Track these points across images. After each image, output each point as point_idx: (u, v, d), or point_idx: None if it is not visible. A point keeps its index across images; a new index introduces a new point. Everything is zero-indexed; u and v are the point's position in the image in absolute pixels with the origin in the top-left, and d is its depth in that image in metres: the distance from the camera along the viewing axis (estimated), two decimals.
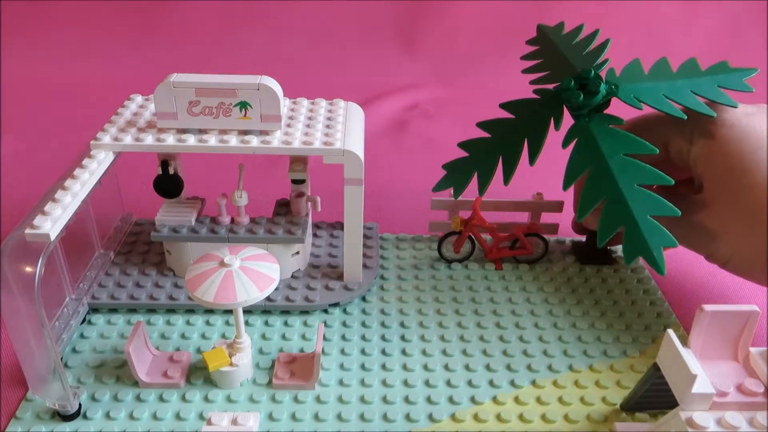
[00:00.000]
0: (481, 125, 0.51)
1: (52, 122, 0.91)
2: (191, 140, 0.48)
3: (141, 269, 0.56)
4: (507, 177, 0.48)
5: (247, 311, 0.52)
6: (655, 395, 0.41)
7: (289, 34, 1.15)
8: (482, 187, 0.49)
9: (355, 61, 1.11)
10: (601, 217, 0.43)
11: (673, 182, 0.43)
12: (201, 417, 0.43)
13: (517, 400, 0.45)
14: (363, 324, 0.52)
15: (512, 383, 0.46)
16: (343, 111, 0.54)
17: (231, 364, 0.45)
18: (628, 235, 0.42)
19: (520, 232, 0.58)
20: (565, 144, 0.47)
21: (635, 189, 0.43)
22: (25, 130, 0.88)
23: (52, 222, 0.40)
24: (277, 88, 0.48)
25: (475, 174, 0.50)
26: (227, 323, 0.52)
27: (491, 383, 0.46)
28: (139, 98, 0.55)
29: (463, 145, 0.51)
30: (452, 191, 0.51)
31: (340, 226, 0.63)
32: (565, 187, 0.45)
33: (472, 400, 0.45)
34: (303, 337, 0.51)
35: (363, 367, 0.48)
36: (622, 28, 1.12)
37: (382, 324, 0.52)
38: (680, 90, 0.47)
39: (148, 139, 0.48)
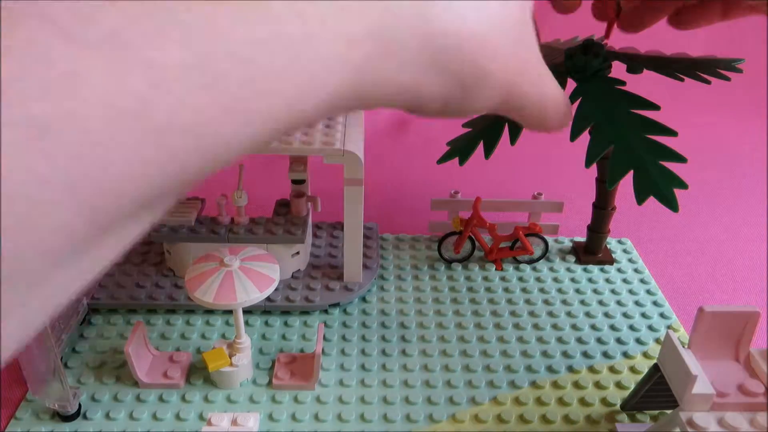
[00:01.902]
0: None
1: None
2: None
3: (141, 269, 0.56)
4: (513, 138, 0.49)
5: (247, 311, 0.52)
6: (656, 396, 0.41)
7: None
8: (488, 150, 0.50)
9: None
10: (609, 162, 0.44)
11: (677, 134, 0.44)
12: (201, 417, 0.43)
13: (516, 400, 0.45)
14: (363, 324, 0.52)
15: (512, 384, 0.46)
16: None
17: (231, 365, 0.45)
18: (637, 177, 0.43)
19: (521, 232, 0.58)
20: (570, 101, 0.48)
21: (642, 137, 0.44)
22: None
23: None
24: None
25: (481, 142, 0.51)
26: (227, 323, 0.52)
27: (491, 384, 0.46)
28: None
29: (467, 124, 0.53)
30: (457, 162, 0.51)
31: (340, 226, 0.63)
32: (572, 138, 0.46)
33: (472, 400, 0.45)
34: (303, 337, 0.51)
35: (363, 367, 0.48)
36: None
37: (382, 324, 0.52)
38: (677, 62, 0.48)
39: None
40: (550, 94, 0.27)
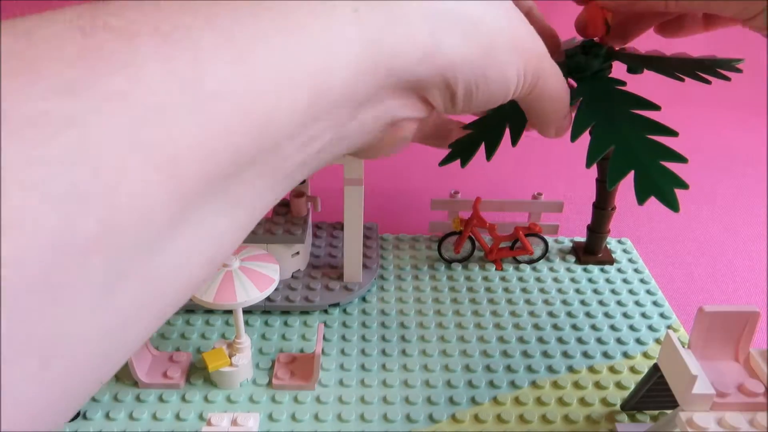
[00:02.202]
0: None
1: None
2: None
3: None
4: (515, 140, 0.49)
5: (247, 311, 0.52)
6: (656, 396, 0.41)
7: None
8: (490, 152, 0.50)
9: None
10: (609, 162, 0.44)
11: (678, 134, 0.44)
12: (201, 417, 0.43)
13: (516, 400, 0.45)
14: (363, 324, 0.52)
15: (512, 384, 0.46)
16: None
17: (231, 365, 0.45)
18: (638, 177, 0.43)
19: (521, 232, 0.58)
20: (571, 102, 0.48)
21: (642, 138, 0.44)
22: None
23: None
24: None
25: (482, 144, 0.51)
26: (227, 323, 0.52)
27: (491, 384, 0.46)
28: None
29: (468, 126, 0.53)
30: (459, 164, 0.51)
31: (340, 226, 0.63)
32: (573, 139, 0.46)
33: (472, 400, 0.45)
34: (303, 337, 0.51)
35: (363, 367, 0.48)
36: None
37: (382, 324, 0.52)
38: (677, 62, 0.49)
39: None
40: (563, 83, 0.32)
